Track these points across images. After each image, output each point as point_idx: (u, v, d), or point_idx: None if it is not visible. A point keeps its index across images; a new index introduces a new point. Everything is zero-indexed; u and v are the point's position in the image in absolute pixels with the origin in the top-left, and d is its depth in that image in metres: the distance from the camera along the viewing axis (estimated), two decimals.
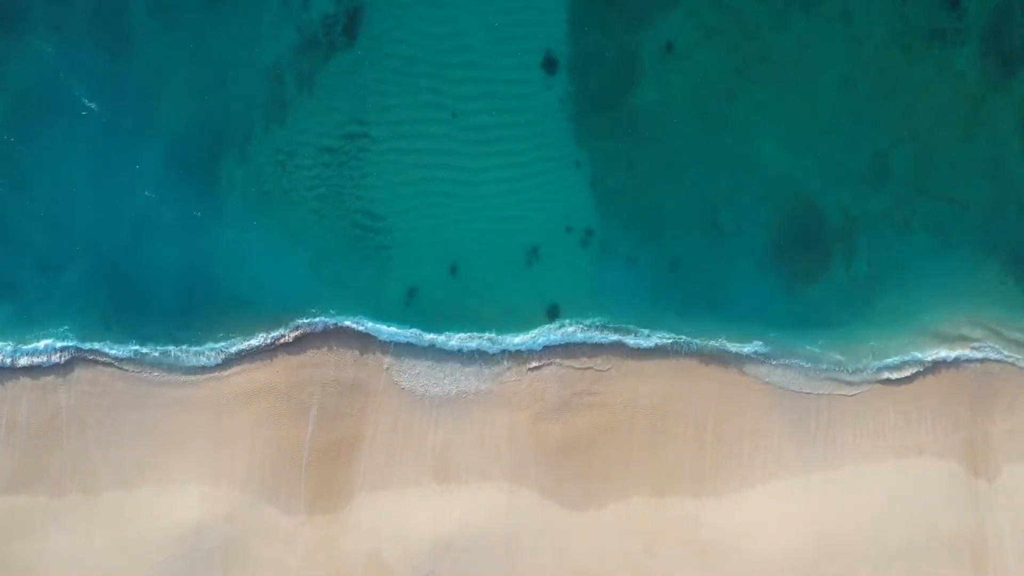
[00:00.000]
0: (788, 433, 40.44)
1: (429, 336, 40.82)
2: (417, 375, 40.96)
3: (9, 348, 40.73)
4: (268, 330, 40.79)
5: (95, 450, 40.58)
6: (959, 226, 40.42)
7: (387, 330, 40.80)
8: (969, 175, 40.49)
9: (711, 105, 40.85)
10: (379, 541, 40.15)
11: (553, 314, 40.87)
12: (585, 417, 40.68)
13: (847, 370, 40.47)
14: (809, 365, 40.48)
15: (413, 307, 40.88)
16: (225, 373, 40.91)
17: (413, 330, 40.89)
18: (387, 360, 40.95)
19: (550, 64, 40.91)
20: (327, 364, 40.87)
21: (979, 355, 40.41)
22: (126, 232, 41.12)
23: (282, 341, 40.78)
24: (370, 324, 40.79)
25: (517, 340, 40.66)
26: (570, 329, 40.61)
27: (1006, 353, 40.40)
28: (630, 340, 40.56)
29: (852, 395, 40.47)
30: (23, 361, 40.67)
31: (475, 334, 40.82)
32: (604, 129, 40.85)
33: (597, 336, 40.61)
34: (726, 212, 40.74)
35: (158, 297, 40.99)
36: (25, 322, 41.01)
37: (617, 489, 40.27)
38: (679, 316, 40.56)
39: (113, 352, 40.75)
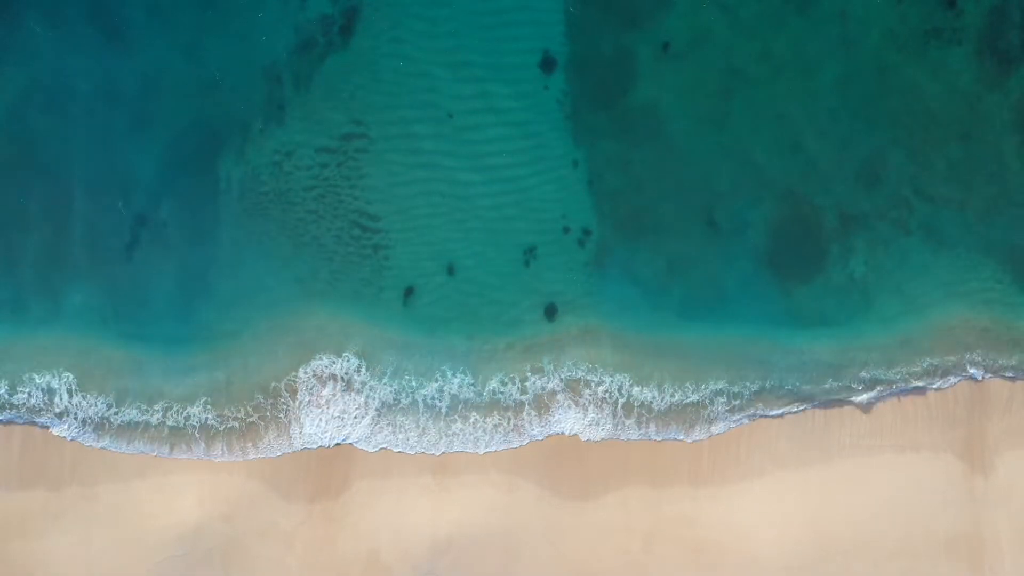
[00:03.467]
0: (785, 431, 40.49)
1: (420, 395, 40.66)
2: (417, 373, 40.98)
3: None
4: (265, 336, 40.73)
5: (94, 449, 40.55)
6: (955, 226, 40.43)
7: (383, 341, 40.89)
8: (965, 175, 40.50)
9: (708, 105, 40.88)
10: (378, 541, 40.19)
11: (551, 314, 40.88)
12: None
13: (844, 369, 40.45)
14: (805, 364, 40.46)
15: (410, 307, 40.87)
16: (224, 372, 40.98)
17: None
18: (387, 361, 40.96)
19: (548, 64, 40.93)
20: (327, 362, 40.88)
21: (976, 354, 40.42)
22: (123, 233, 41.04)
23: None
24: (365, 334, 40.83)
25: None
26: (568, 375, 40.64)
27: (1003, 351, 40.40)
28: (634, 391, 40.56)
29: (849, 394, 40.50)
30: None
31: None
32: (601, 129, 40.86)
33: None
34: (723, 212, 40.75)
35: (154, 298, 40.91)
36: (25, 322, 40.90)
37: (615, 488, 40.30)
38: (676, 315, 40.56)
39: (110, 355, 40.74)
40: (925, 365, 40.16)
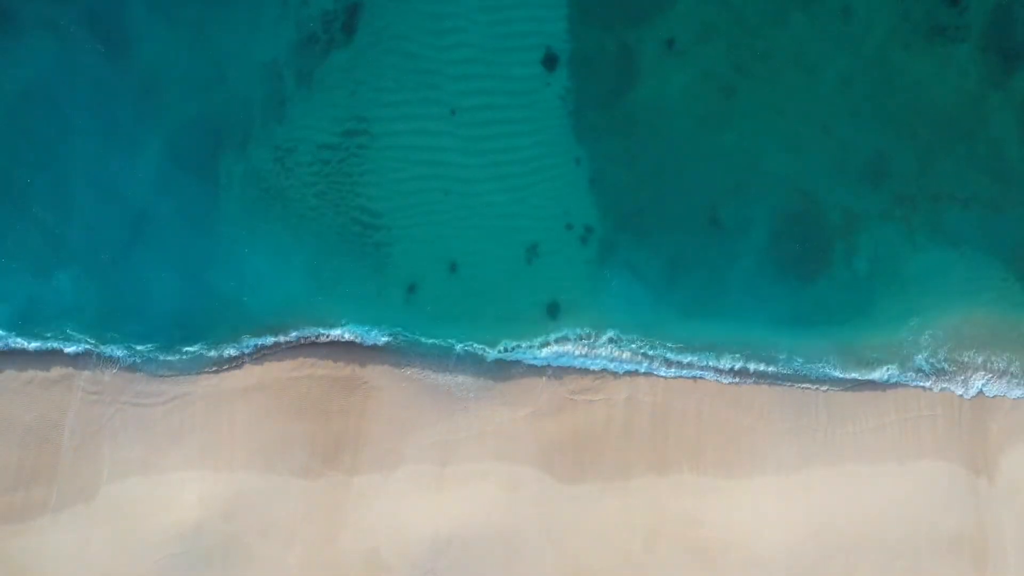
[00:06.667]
0: (789, 430, 40.39)
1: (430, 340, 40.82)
2: (417, 372, 40.93)
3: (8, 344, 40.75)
4: (265, 333, 40.72)
5: (95, 447, 40.49)
6: (960, 224, 40.36)
7: (384, 336, 40.80)
8: (970, 173, 40.44)
9: (711, 102, 40.79)
10: (378, 539, 40.08)
11: (553, 311, 40.82)
12: (585, 414, 40.63)
13: (847, 367, 40.38)
14: (809, 362, 40.41)
15: (412, 304, 40.80)
16: (225, 370, 40.89)
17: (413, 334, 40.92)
18: (387, 359, 40.90)
19: (550, 60, 40.85)
20: (328, 360, 40.82)
21: (979, 352, 40.38)
22: (124, 230, 41.04)
23: (282, 341, 40.79)
24: (368, 329, 40.73)
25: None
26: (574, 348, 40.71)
27: (1007, 350, 40.36)
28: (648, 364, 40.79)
29: (852, 392, 40.42)
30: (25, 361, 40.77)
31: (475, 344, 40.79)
32: (604, 126, 40.78)
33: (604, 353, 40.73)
34: (726, 210, 40.68)
35: (156, 295, 40.90)
36: (25, 321, 40.90)
37: (617, 487, 40.20)
38: (678, 313, 40.51)
39: (111, 353, 40.74)
40: (928, 365, 40.19)
